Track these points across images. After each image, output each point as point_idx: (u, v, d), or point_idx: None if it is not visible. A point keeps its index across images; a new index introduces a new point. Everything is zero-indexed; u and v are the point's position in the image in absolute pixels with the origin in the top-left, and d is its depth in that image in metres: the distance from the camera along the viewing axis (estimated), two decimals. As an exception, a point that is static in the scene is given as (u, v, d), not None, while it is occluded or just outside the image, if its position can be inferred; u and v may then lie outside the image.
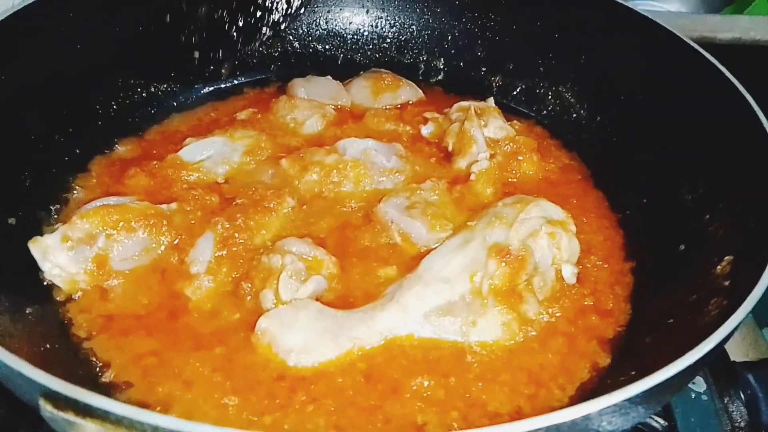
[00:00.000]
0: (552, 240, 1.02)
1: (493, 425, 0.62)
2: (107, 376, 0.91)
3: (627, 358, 0.95)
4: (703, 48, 1.15)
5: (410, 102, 1.43)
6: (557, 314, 1.01)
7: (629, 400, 0.65)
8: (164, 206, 1.09)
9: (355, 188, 1.18)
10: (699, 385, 1.09)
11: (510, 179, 1.24)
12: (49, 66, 1.18)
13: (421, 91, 1.45)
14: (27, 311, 0.94)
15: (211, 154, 1.22)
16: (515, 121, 1.34)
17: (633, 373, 0.87)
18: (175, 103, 1.39)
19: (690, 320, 0.90)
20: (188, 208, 1.10)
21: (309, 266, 1.01)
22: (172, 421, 0.56)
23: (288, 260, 0.99)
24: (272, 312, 0.95)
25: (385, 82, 1.43)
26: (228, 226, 1.06)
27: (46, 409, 0.59)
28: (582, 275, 1.07)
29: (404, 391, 0.90)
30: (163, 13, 1.25)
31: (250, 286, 1.00)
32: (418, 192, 1.15)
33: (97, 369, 0.93)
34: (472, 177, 1.20)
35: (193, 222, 1.09)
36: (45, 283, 1.01)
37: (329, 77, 1.44)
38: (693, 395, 1.08)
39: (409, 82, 1.45)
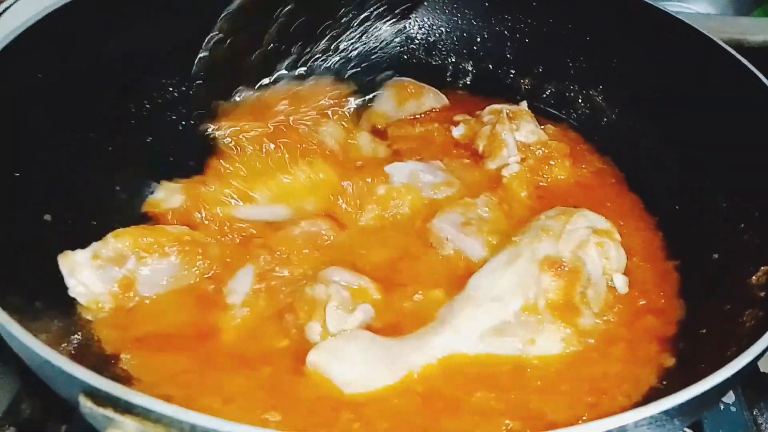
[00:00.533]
0: (601, 250, 1.01)
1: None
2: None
3: (689, 356, 0.94)
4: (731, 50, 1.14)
5: (435, 109, 1.41)
6: (613, 320, 1.00)
7: (665, 412, 0.64)
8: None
9: (411, 210, 1.17)
10: (728, 396, 1.08)
11: (541, 183, 1.23)
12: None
13: (445, 98, 1.44)
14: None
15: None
16: (549, 126, 1.33)
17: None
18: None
19: (724, 330, 0.89)
20: (226, 239, 1.07)
21: (354, 294, 0.97)
22: (211, 420, 0.56)
23: (333, 290, 0.95)
24: (321, 345, 0.91)
25: (408, 90, 1.41)
26: (270, 259, 1.04)
27: (86, 405, 0.60)
28: (630, 278, 1.06)
29: (463, 408, 0.88)
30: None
31: (294, 318, 0.97)
32: (473, 209, 1.14)
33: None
34: (504, 180, 1.19)
35: (229, 260, 1.05)
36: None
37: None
38: (722, 406, 1.07)
39: (432, 88, 1.44)
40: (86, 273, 0.95)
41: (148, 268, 0.99)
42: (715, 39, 1.18)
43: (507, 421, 0.86)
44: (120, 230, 1.00)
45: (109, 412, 0.59)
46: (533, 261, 0.98)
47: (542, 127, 1.31)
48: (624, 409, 0.84)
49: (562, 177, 1.25)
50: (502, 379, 0.91)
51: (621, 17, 1.34)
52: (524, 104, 1.34)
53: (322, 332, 0.93)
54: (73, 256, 0.96)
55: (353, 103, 1.28)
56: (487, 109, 1.33)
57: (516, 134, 1.26)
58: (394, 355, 0.92)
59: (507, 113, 1.28)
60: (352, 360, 0.90)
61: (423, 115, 1.39)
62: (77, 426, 1.05)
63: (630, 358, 0.95)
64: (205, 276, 1.03)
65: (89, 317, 0.97)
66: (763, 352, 0.73)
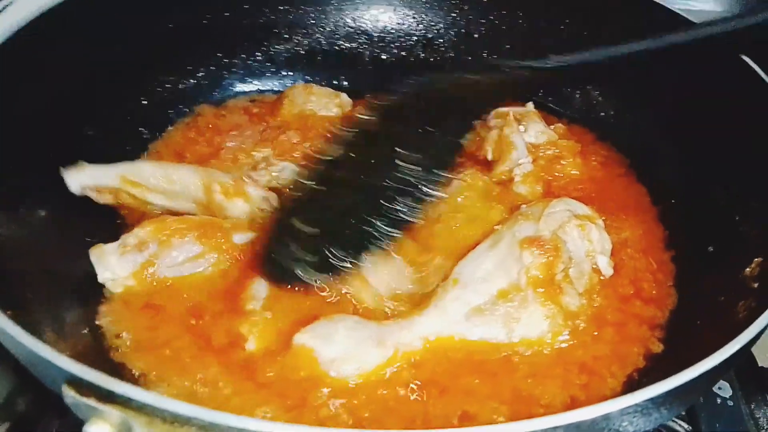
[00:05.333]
0: (582, 231, 1.02)
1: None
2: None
3: (679, 343, 0.95)
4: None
5: None
6: (601, 304, 1.01)
7: (651, 400, 0.64)
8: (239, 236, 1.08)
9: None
10: (725, 390, 1.08)
11: (555, 182, 1.22)
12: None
13: None
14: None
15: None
16: (559, 125, 1.32)
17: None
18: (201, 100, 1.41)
19: (718, 321, 0.89)
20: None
21: None
22: (193, 409, 0.56)
23: None
24: (308, 327, 0.94)
25: None
26: None
27: (69, 395, 0.60)
28: (620, 267, 1.07)
29: (450, 392, 0.89)
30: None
31: None
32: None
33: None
34: (516, 179, 1.19)
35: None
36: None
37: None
38: (719, 400, 1.07)
39: None
40: (113, 260, 1.01)
41: (167, 251, 1.03)
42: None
43: (495, 404, 0.87)
44: (146, 221, 1.05)
45: (92, 402, 0.59)
46: (514, 242, 0.99)
47: (552, 126, 1.30)
48: (614, 389, 0.88)
49: (575, 173, 1.24)
50: (490, 365, 0.92)
51: (618, 11, 1.33)
52: (530, 105, 1.33)
53: None
54: (103, 248, 1.02)
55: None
56: (493, 112, 1.30)
57: (525, 136, 1.25)
58: (380, 334, 0.93)
59: (514, 115, 1.27)
60: (340, 338, 0.91)
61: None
62: (71, 421, 1.06)
63: (618, 340, 0.97)
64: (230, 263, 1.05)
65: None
66: (753, 340, 0.73)
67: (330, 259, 0.99)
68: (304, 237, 1.02)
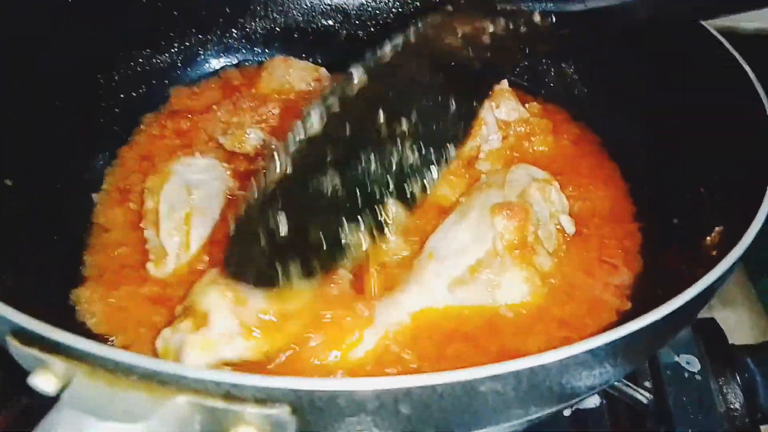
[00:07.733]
0: (543, 194, 1.04)
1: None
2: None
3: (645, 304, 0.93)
4: (724, 37, 1.12)
5: None
6: (571, 266, 1.02)
7: (590, 352, 0.64)
8: None
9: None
10: (693, 364, 1.08)
11: (522, 160, 1.20)
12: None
13: None
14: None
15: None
16: (534, 103, 1.33)
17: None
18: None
19: (677, 291, 0.87)
20: None
21: None
22: (136, 357, 0.56)
23: None
24: None
25: None
26: None
27: (12, 344, 0.60)
28: (588, 235, 1.08)
29: (441, 359, 0.89)
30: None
31: None
32: None
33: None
34: (481, 155, 1.19)
35: None
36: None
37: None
38: (686, 374, 1.07)
39: None
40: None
41: None
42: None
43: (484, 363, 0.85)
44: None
45: (35, 352, 0.59)
46: (484, 210, 1.00)
47: (528, 104, 1.30)
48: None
49: (544, 149, 1.25)
50: (476, 331, 0.93)
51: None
52: (505, 83, 1.32)
53: None
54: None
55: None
56: None
57: (496, 112, 1.25)
58: None
59: None
60: None
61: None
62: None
63: (589, 299, 0.99)
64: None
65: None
66: (689, 304, 0.73)
67: (302, 263, 0.85)
68: (276, 236, 0.84)
